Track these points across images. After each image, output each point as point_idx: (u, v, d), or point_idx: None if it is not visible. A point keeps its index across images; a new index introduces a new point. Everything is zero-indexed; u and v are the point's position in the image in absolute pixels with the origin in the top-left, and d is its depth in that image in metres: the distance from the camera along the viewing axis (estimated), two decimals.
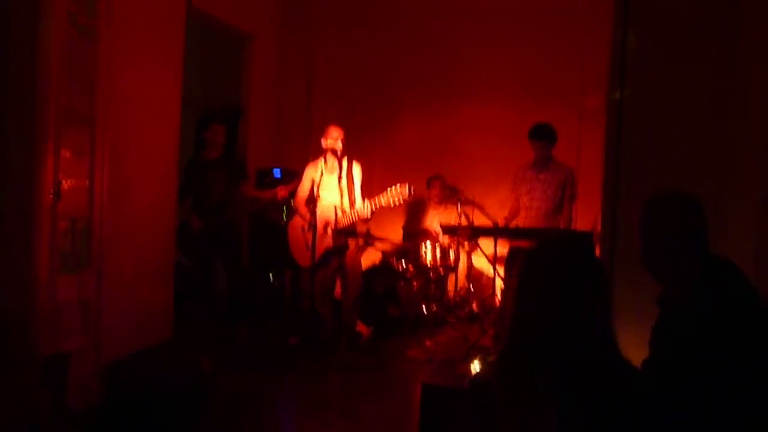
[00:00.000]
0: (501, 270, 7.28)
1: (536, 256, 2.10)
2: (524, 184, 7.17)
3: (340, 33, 9.18)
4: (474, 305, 7.98)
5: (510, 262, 7.10)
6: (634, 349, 2.65)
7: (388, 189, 6.21)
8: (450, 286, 8.17)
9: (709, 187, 3.97)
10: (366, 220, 6.47)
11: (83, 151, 5.35)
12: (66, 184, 5.05)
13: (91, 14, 5.34)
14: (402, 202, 6.29)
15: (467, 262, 8.16)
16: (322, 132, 6.64)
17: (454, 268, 8.01)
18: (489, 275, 8.15)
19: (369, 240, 7.63)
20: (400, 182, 6.22)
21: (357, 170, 6.68)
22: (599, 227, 5.33)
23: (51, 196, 4.87)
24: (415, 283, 7.73)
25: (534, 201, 7.10)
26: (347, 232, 6.57)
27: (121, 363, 5.52)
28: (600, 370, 1.92)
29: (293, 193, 6.88)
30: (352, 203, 6.55)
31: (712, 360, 2.48)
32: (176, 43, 6.75)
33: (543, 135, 6.97)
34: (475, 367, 3.84)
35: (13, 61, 4.80)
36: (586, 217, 7.71)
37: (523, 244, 6.84)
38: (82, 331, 5.39)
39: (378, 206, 6.25)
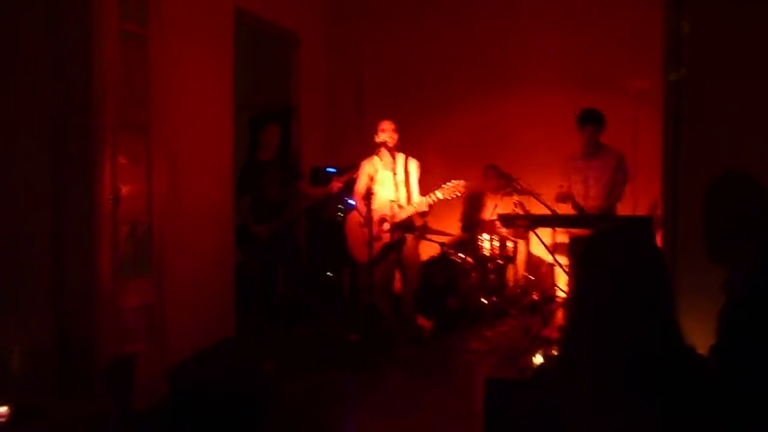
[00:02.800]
0: (560, 259, 7.19)
1: (593, 246, 2.06)
2: (577, 173, 7.04)
3: (389, 26, 9.15)
4: (534, 295, 7.91)
5: (573, 250, 6.99)
6: (701, 336, 2.59)
7: (444, 184, 6.23)
8: (509, 276, 8.11)
9: None
10: (424, 214, 6.47)
11: (140, 157, 5.42)
12: (124, 190, 5.14)
13: (141, 22, 5.40)
14: (458, 196, 6.35)
15: (526, 251, 8.08)
16: (375, 127, 6.65)
17: (513, 258, 7.95)
18: (549, 264, 8.06)
19: (426, 233, 7.60)
20: (456, 174, 6.23)
21: (414, 167, 6.69)
22: (659, 211, 5.23)
23: (111, 201, 4.95)
24: (474, 275, 7.69)
25: (590, 189, 6.97)
26: (404, 227, 6.57)
27: (186, 363, 5.59)
28: (666, 361, 1.88)
29: (348, 185, 6.90)
30: (409, 198, 6.56)
31: None
32: (226, 46, 6.79)
33: (592, 119, 6.88)
34: (538, 359, 3.80)
35: (69, 73, 4.89)
36: (645, 201, 7.59)
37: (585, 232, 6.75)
38: (146, 335, 5.46)
39: (435, 201, 6.28)
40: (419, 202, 6.36)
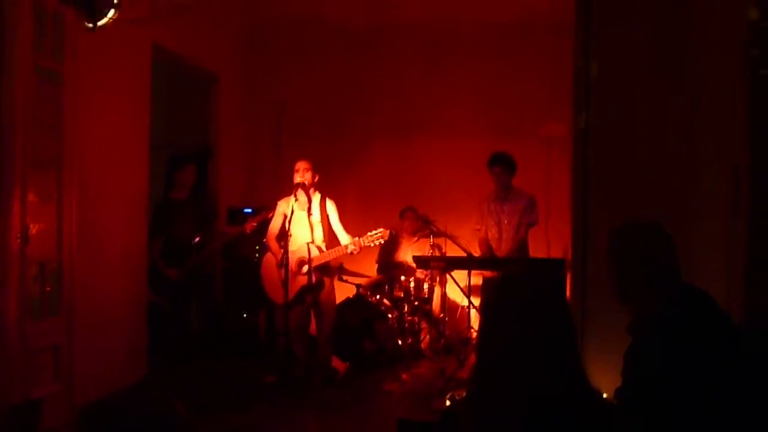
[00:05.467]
0: (476, 301, 7.29)
1: (498, 288, 2.10)
2: (491, 217, 7.27)
3: (307, 67, 9.20)
4: (450, 337, 7.97)
5: (485, 291, 7.11)
6: (607, 377, 2.65)
7: (368, 233, 6.28)
8: (425, 318, 8.14)
9: (677, 210, 4.02)
10: (354, 252, 6.46)
11: (51, 195, 5.31)
12: (34, 229, 5.02)
13: (56, 58, 5.33)
14: (379, 245, 6.49)
15: (441, 293, 8.14)
16: (292, 168, 6.65)
17: (429, 300, 8.00)
18: (464, 306, 8.14)
19: (342, 275, 7.61)
20: (372, 216, 6.27)
21: (331, 207, 6.70)
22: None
23: (18, 240, 4.83)
24: (390, 317, 7.71)
25: (503, 233, 7.20)
26: (322, 269, 6.56)
27: (95, 406, 5.44)
28: (569, 405, 1.91)
29: (262, 226, 6.86)
30: (328, 239, 6.57)
31: (685, 384, 2.49)
32: (143, 85, 6.75)
33: (500, 161, 7.08)
34: (449, 402, 3.83)
35: None
36: (559, 244, 7.76)
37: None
38: (54, 377, 5.33)
39: (360, 246, 6.32)
40: (350, 243, 6.36)
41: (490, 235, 7.34)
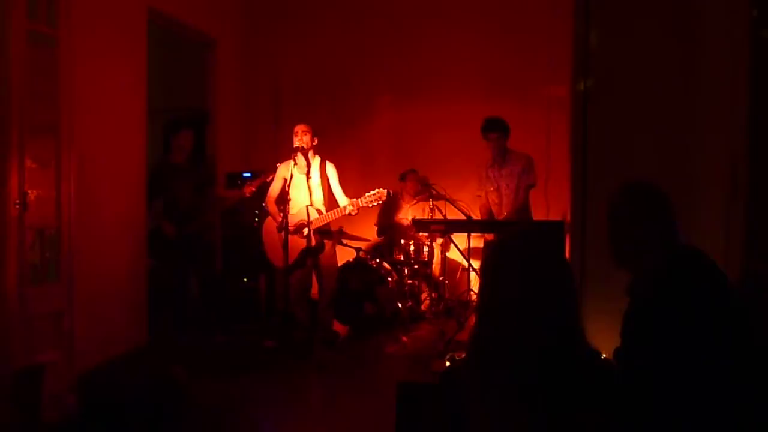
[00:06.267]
0: (475, 263, 7.30)
1: (498, 249, 2.09)
2: (490, 182, 7.24)
3: (306, 33, 9.15)
4: (450, 299, 8.00)
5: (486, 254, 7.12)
6: (606, 338, 2.66)
7: (366, 193, 6.27)
8: (425, 281, 8.17)
9: (676, 176, 4.01)
10: (353, 213, 6.46)
11: (49, 161, 5.29)
12: (32, 195, 5.00)
13: (50, 23, 5.28)
14: (379, 205, 6.48)
15: (441, 256, 8.16)
16: (291, 132, 6.63)
17: (429, 263, 8.02)
18: (465, 267, 8.16)
19: (342, 238, 7.61)
20: (371, 180, 6.26)
21: (331, 170, 6.69)
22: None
23: (17, 207, 4.82)
24: (390, 280, 7.73)
25: (503, 197, 7.19)
26: (323, 232, 6.56)
27: (96, 373, 5.47)
28: (569, 365, 1.92)
29: (261, 190, 6.85)
30: (328, 202, 6.56)
31: (683, 344, 2.49)
32: (139, 49, 6.69)
33: (494, 127, 7.04)
34: (449, 364, 3.84)
35: None
36: (558, 206, 7.75)
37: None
38: (55, 343, 5.33)
39: (358, 207, 6.31)
40: (348, 205, 6.35)
41: (490, 200, 7.33)
